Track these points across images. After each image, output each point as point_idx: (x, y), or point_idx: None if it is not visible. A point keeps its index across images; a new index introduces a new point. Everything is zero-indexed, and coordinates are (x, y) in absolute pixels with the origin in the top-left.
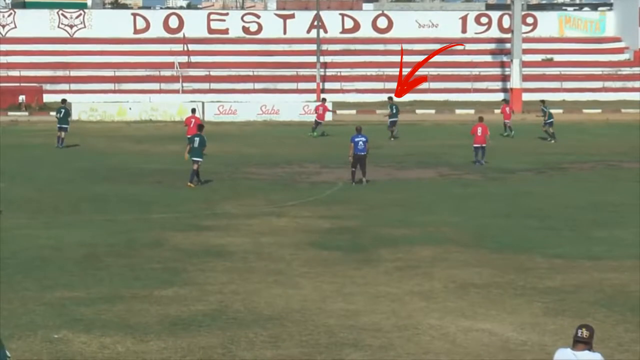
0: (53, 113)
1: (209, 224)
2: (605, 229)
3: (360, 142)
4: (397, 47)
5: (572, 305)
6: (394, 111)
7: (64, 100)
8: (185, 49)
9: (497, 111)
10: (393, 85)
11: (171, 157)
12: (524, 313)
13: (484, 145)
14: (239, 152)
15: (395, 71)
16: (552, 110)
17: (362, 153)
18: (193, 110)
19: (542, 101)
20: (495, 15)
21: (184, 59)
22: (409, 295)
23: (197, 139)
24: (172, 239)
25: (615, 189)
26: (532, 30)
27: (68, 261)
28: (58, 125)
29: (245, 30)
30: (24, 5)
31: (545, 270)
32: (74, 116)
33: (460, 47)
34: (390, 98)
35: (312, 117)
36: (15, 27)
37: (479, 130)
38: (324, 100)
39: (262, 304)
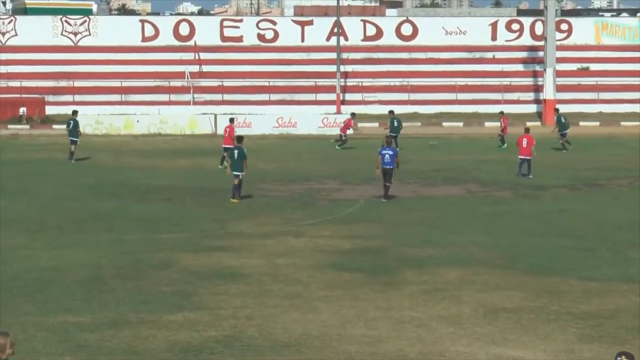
0: (56, 126)
1: (221, 245)
2: None
3: (387, 156)
4: (422, 55)
5: (609, 332)
6: (395, 125)
7: (74, 112)
8: (197, 57)
9: (497, 124)
10: (418, 96)
11: (181, 173)
12: (557, 339)
13: (529, 157)
14: (254, 168)
15: (420, 81)
16: (586, 123)
17: (389, 167)
18: (231, 120)
19: (556, 109)
20: (527, 21)
21: (195, 68)
22: (435, 321)
23: (236, 151)
24: (182, 260)
25: None
26: (566, 38)
27: (71, 284)
28: (69, 138)
29: (261, 37)
30: (25, 12)
31: (581, 294)
32: None
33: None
34: (391, 112)
35: (333, 130)
36: (16, 34)
37: (525, 141)
38: (353, 115)
39: (278, 329)
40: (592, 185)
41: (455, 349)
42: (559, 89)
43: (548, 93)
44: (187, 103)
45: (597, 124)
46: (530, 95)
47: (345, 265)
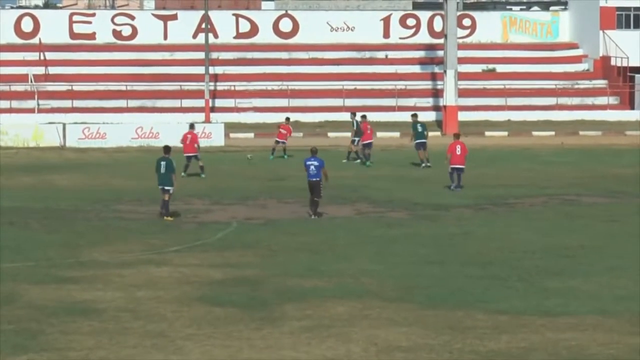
0: None
1: (72, 275)
2: (560, 279)
3: (312, 167)
4: (304, 55)
5: None
6: (420, 130)
7: None
8: (42, 57)
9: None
10: (299, 102)
11: (25, 192)
12: None
13: (462, 166)
14: (109, 186)
15: (302, 85)
16: (493, 133)
17: (314, 179)
18: (191, 126)
19: (414, 115)
20: (424, 16)
21: (40, 70)
22: None
23: (163, 163)
24: (27, 293)
25: (572, 228)
26: (469, 35)
27: None
28: None
29: (117, 34)
30: None
31: (488, 330)
32: None
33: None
34: (414, 115)
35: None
36: None
37: (458, 148)
38: (287, 120)
39: None
40: (500, 205)
41: None
42: (462, 93)
43: (449, 98)
44: (31, 111)
45: (506, 133)
46: (428, 101)
47: (216, 299)
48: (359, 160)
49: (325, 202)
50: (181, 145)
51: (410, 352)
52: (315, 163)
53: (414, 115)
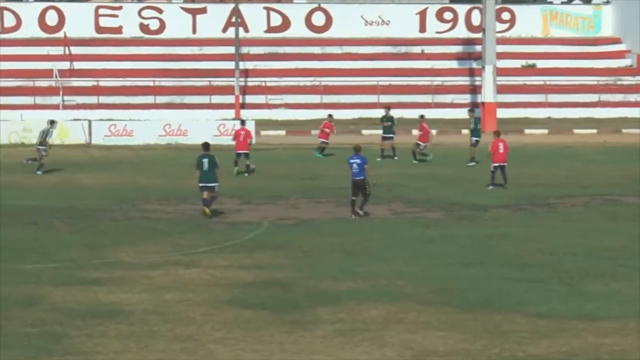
0: None
1: (97, 277)
2: (601, 281)
3: (355, 165)
4: (337, 50)
5: None
6: (479, 127)
7: None
8: (67, 52)
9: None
10: (333, 98)
11: (49, 191)
12: None
13: (505, 164)
14: (136, 184)
15: (335, 81)
16: (533, 131)
17: (359, 178)
18: (242, 122)
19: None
20: (462, 9)
21: (65, 65)
22: None
23: (205, 160)
24: (51, 295)
25: (614, 230)
26: (509, 29)
27: None
28: None
29: (144, 28)
30: None
31: (527, 334)
32: None
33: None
34: (471, 110)
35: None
36: None
37: (501, 146)
38: (330, 116)
39: None
40: (539, 205)
41: None
42: (500, 90)
43: (487, 95)
44: (55, 107)
45: (546, 131)
46: (466, 98)
47: (246, 301)
48: (429, 157)
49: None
50: (233, 142)
51: (447, 357)
52: (358, 161)
53: (471, 110)
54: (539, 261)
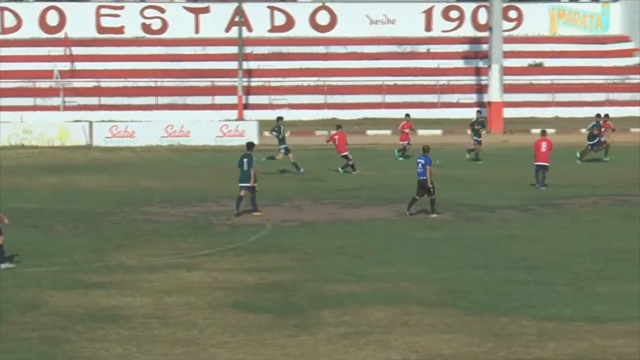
0: None
1: (98, 280)
2: (610, 283)
3: (420, 165)
4: (342, 49)
5: None
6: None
7: None
8: (68, 52)
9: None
10: (337, 98)
11: (50, 193)
12: None
13: (547, 164)
14: (138, 186)
15: (339, 81)
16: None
17: (422, 178)
18: (338, 127)
19: (478, 111)
20: (468, 8)
21: (66, 65)
22: None
23: (245, 160)
24: (51, 299)
25: (623, 230)
26: (515, 28)
27: None
28: None
29: (146, 28)
30: None
31: (534, 337)
32: None
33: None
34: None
35: (233, 140)
36: None
37: (544, 145)
38: (407, 116)
39: None
40: (547, 206)
41: None
42: (507, 89)
43: (494, 94)
44: (56, 108)
45: (553, 130)
46: (472, 97)
47: (249, 305)
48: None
49: (363, 203)
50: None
51: None
52: (422, 161)
53: (478, 112)
54: (547, 263)
